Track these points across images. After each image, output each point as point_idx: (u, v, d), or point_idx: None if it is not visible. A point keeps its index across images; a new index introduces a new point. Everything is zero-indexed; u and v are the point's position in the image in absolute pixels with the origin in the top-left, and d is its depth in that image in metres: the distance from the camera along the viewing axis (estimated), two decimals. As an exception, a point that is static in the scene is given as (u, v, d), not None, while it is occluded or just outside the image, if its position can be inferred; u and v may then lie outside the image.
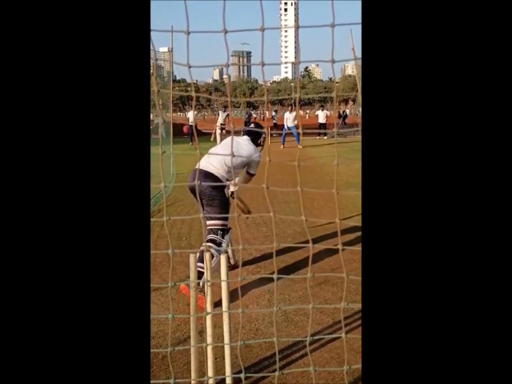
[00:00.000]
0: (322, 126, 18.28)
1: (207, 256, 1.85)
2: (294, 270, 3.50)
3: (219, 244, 3.02)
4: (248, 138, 3.36)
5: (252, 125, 3.80)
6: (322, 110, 18.85)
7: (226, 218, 3.08)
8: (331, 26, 0.90)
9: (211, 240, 3.02)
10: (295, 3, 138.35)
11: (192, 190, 3.09)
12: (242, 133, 3.47)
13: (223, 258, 1.85)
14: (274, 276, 1.36)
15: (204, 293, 2.57)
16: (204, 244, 2.94)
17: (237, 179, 3.37)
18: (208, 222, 3.05)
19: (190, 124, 16.48)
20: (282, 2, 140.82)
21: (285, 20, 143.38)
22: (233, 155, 1.16)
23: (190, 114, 17.92)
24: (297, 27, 0.89)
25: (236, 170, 3.25)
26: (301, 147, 13.70)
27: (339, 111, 20.28)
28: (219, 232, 3.02)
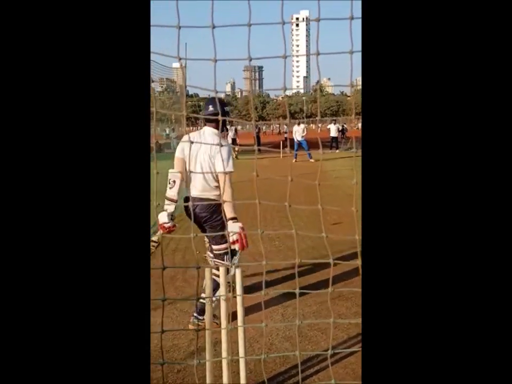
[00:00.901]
0: (334, 139, 18.34)
1: (221, 270, 1.88)
2: (306, 284, 3.50)
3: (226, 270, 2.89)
4: (211, 129, 2.84)
5: (210, 107, 2.84)
6: (334, 123, 18.88)
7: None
8: (350, 53, 0.93)
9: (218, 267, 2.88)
10: (306, 18, 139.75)
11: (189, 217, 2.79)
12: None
13: (238, 272, 1.87)
14: (297, 291, 1.38)
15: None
16: (214, 263, 2.88)
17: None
18: (213, 247, 2.92)
19: None
20: (294, 17, 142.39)
21: (296, 34, 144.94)
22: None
23: None
24: (318, 54, 0.92)
25: (215, 178, 2.81)
26: (313, 161, 13.71)
27: (339, 126, 20.37)
28: (225, 256, 2.90)
